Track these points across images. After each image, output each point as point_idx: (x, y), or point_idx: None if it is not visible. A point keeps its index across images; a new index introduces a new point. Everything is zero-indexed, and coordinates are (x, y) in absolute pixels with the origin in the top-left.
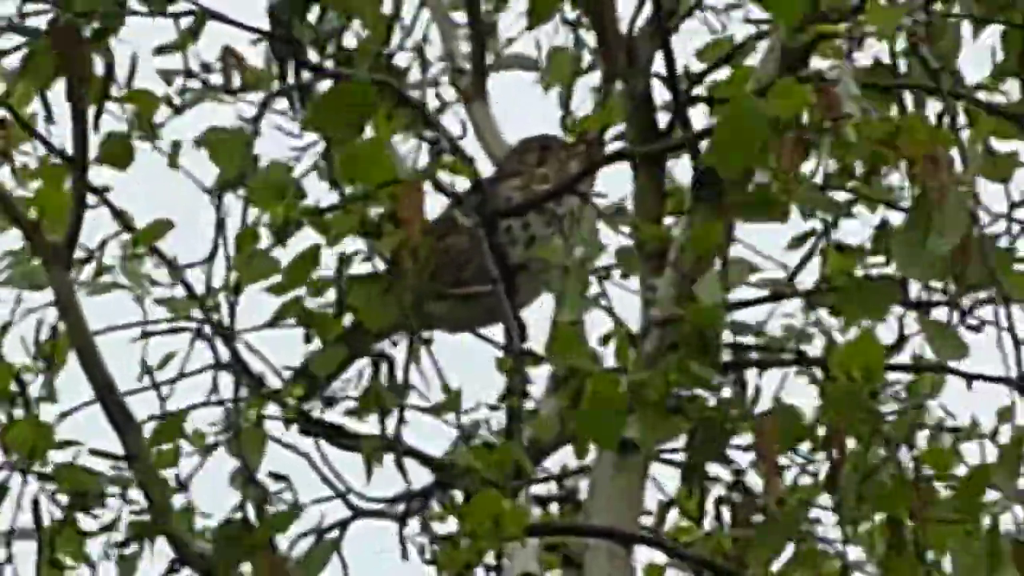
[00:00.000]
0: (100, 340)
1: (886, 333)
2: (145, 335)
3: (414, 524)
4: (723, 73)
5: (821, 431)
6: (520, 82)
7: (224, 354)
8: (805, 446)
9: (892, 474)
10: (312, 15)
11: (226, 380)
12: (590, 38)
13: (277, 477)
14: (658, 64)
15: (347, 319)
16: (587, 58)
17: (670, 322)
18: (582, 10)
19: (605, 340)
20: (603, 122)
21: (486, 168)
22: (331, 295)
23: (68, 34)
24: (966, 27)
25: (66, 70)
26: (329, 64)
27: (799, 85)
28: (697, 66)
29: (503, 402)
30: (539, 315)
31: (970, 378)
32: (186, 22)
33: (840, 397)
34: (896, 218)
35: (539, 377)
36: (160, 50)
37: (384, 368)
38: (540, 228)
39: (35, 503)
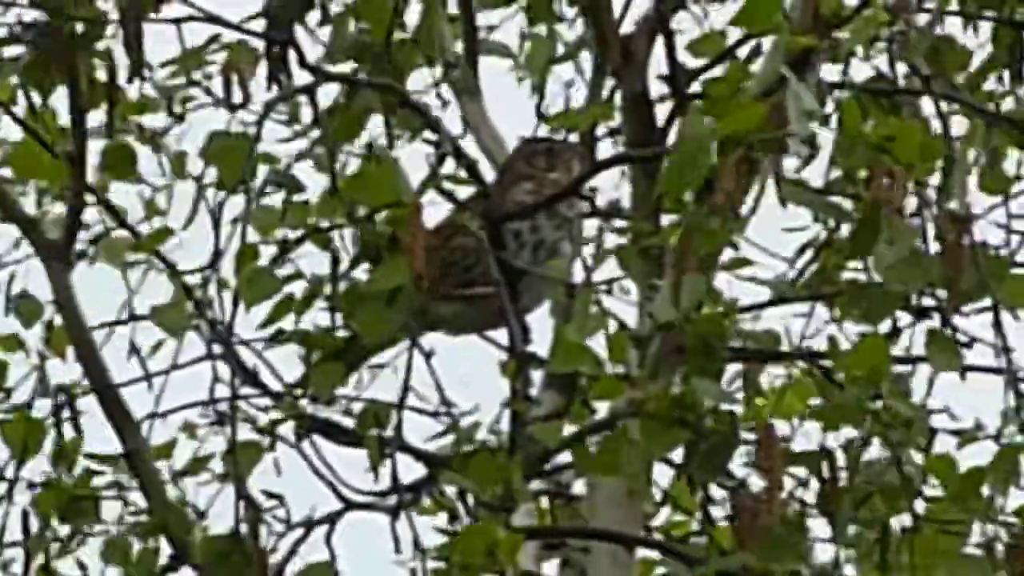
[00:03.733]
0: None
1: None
2: (132, 318)
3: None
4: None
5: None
6: (497, 73)
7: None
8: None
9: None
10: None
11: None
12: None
13: (271, 495)
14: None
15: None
16: (560, 49)
17: (668, 327)
18: (578, 8)
19: (609, 345)
20: (593, 118)
21: (484, 164)
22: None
23: (61, 39)
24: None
25: (63, 72)
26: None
27: (758, 104)
28: (692, 63)
29: (507, 407)
30: (543, 318)
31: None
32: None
33: (841, 403)
34: None
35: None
36: (164, 65)
37: None
38: (550, 232)
39: (24, 514)
